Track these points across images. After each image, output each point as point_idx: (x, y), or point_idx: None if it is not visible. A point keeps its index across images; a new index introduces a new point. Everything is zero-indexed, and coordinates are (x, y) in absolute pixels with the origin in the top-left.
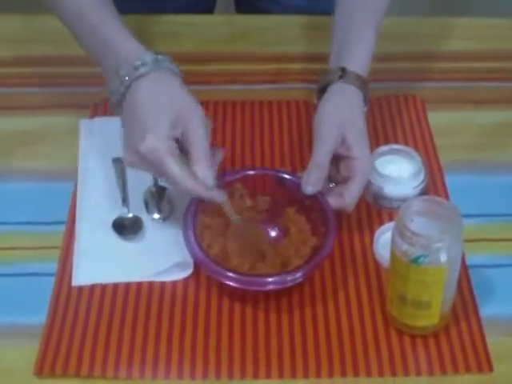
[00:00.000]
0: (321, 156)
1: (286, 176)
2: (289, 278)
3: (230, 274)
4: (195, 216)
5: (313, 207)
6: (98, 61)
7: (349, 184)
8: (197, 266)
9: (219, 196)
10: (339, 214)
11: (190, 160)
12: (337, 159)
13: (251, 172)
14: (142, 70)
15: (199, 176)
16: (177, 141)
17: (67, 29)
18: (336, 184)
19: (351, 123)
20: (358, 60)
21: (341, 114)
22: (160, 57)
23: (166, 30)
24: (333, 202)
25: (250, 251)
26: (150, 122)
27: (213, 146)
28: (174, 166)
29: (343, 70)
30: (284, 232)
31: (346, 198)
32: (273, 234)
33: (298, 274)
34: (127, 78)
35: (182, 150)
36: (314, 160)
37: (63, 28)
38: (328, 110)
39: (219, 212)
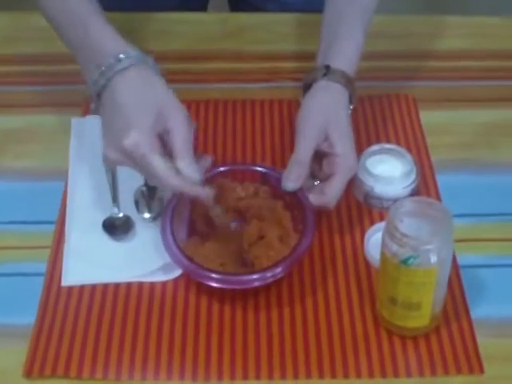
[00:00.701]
0: (302, 152)
1: (270, 172)
2: (268, 274)
3: (213, 275)
4: (172, 217)
5: (293, 204)
6: (77, 51)
7: (330, 181)
8: None
9: (205, 192)
10: (321, 211)
11: (174, 156)
12: (320, 156)
13: (235, 167)
14: (125, 62)
15: (183, 171)
16: (160, 139)
17: (47, 19)
18: (320, 181)
19: (334, 120)
20: (344, 58)
21: (324, 111)
22: (142, 52)
23: (158, 28)
24: (313, 199)
25: (230, 256)
26: (133, 117)
27: (200, 153)
28: (158, 161)
29: (327, 68)
30: (267, 227)
31: (326, 194)
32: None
33: (278, 270)
34: (109, 70)
35: (165, 149)
36: (294, 156)
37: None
38: (311, 106)
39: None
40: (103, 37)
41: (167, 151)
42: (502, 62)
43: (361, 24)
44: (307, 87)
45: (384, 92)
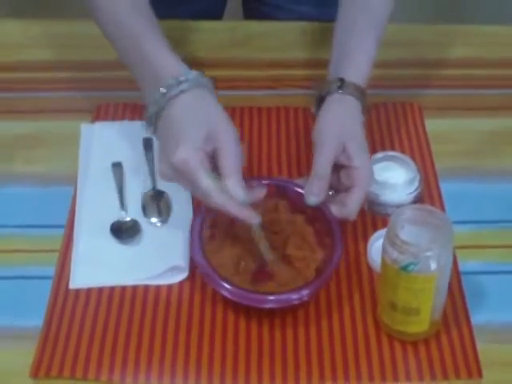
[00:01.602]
0: (322, 166)
1: (288, 185)
2: (294, 296)
3: (233, 289)
4: (202, 224)
5: (316, 217)
6: (134, 69)
7: (351, 193)
8: (192, 270)
9: (253, 217)
10: (342, 222)
11: (222, 175)
12: (337, 168)
13: (255, 182)
14: (185, 85)
15: (230, 190)
16: (209, 158)
17: (105, 36)
18: (336, 192)
19: (351, 133)
20: (357, 70)
21: (340, 124)
22: (201, 75)
23: (169, 36)
24: (335, 211)
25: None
26: (184, 134)
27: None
28: (205, 178)
29: (342, 81)
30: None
31: (348, 206)
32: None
33: (305, 292)
34: (170, 92)
35: (214, 169)
36: (315, 170)
37: (63, 33)
38: (327, 120)
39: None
40: (161, 55)
41: (217, 171)
42: (507, 70)
43: (374, 35)
44: (320, 100)
45: (389, 100)
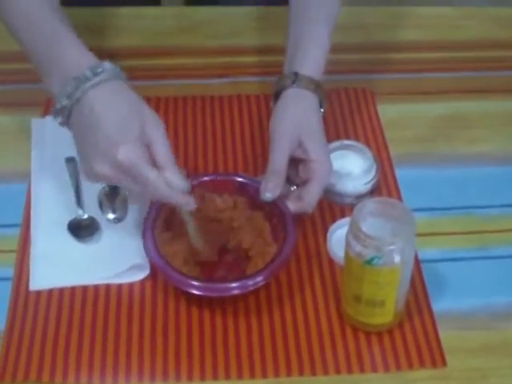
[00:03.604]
0: (277, 162)
1: (247, 181)
2: (250, 282)
3: (193, 283)
4: (154, 223)
5: (272, 212)
6: (40, 60)
7: (307, 186)
8: (153, 268)
9: (190, 203)
10: (298, 216)
11: (159, 167)
12: (296, 162)
13: (210, 178)
14: (103, 76)
15: (171, 181)
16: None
17: (7, 27)
18: (297, 187)
19: (306, 126)
20: (311, 63)
21: (295, 119)
22: (116, 66)
23: (112, 24)
24: (292, 205)
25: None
26: (121, 131)
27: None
28: (150, 172)
29: (296, 75)
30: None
31: (304, 200)
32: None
33: (259, 278)
34: (86, 83)
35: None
36: (270, 166)
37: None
38: (282, 115)
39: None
40: (74, 48)
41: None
42: (456, 52)
43: (326, 26)
44: (277, 95)
45: (341, 86)
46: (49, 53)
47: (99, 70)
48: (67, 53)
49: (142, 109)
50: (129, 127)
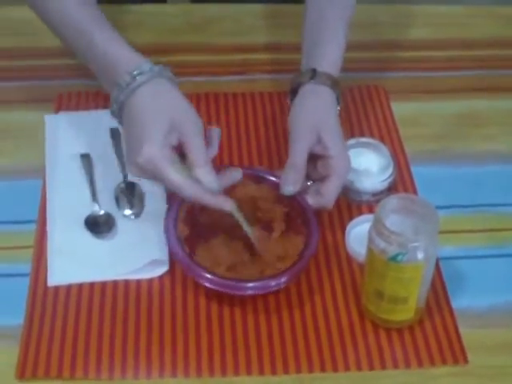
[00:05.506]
0: (297, 157)
1: (266, 175)
2: (272, 283)
3: (213, 278)
4: (177, 217)
5: (292, 207)
6: (92, 65)
7: (327, 182)
8: (172, 263)
9: (226, 203)
10: (318, 212)
11: (191, 166)
12: (314, 158)
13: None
14: (140, 78)
15: (201, 180)
16: (176, 148)
17: (52, 30)
18: (313, 182)
19: (325, 122)
20: (329, 60)
21: (314, 114)
22: (157, 66)
23: (124, 20)
24: (311, 200)
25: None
26: (145, 133)
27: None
28: (173, 174)
29: (314, 71)
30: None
31: (324, 196)
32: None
33: (283, 279)
34: (126, 88)
35: (183, 157)
36: (290, 161)
37: (24, 20)
38: (300, 110)
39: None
40: (116, 53)
41: (186, 162)
42: (466, 51)
43: (343, 23)
44: (294, 91)
45: (355, 84)
46: (94, 59)
47: (138, 71)
48: (109, 57)
49: (179, 106)
50: (156, 127)
